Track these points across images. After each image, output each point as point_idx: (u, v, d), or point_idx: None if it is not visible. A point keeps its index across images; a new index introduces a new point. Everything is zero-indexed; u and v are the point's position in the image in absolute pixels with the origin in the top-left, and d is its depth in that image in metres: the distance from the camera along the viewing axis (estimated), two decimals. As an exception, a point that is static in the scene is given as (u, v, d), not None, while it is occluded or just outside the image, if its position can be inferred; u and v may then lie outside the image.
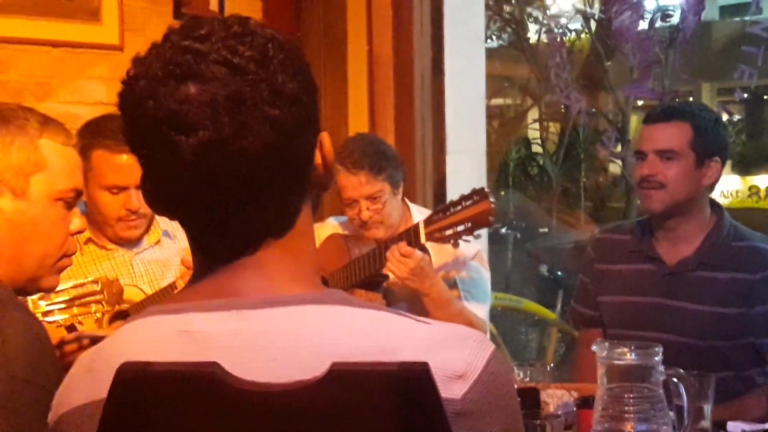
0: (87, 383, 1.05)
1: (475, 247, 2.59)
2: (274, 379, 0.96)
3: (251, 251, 1.04)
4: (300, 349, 0.98)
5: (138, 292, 2.53)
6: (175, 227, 2.77)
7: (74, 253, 1.70)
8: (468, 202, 2.38)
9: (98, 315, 2.07)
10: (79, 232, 1.69)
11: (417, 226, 2.46)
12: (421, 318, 1.05)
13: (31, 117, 1.61)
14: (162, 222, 2.75)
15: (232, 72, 0.97)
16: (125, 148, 2.48)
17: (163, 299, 2.46)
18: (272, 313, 1.01)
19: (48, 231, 1.62)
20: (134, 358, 1.01)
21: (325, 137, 1.07)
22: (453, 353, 0.99)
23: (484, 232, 2.58)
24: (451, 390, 0.97)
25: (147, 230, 2.69)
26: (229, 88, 0.97)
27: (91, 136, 2.53)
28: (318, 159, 1.06)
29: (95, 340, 2.00)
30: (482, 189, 2.38)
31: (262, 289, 1.03)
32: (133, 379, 1.02)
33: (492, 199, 2.36)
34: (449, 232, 2.40)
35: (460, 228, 2.38)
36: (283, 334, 0.99)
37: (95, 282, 2.06)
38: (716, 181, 2.48)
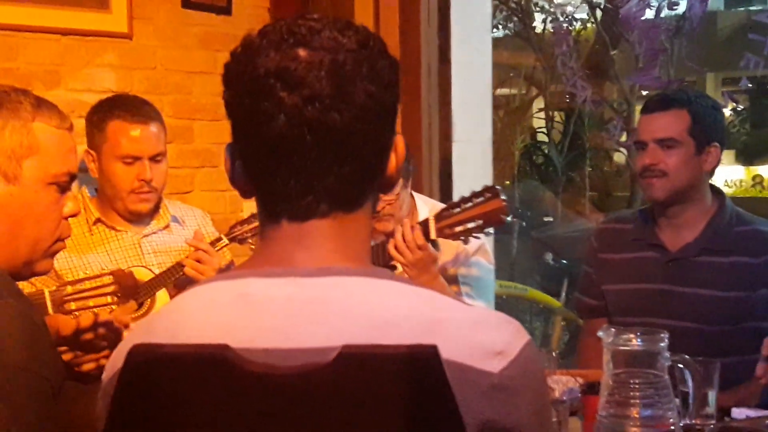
0: (143, 341, 1.10)
1: (478, 240, 2.58)
2: (323, 342, 1.01)
3: (319, 216, 1.10)
4: (347, 316, 1.03)
5: (147, 272, 2.56)
6: (184, 214, 2.80)
7: (68, 237, 1.69)
8: (479, 199, 2.36)
9: (114, 307, 2.08)
10: (73, 215, 1.68)
11: (427, 221, 2.45)
12: (465, 301, 1.09)
13: (25, 100, 1.58)
14: (171, 207, 2.78)
15: (339, 47, 1.07)
16: (140, 120, 2.59)
17: (171, 278, 2.52)
18: (326, 281, 1.07)
19: (41, 215, 1.60)
20: (191, 319, 1.08)
21: (399, 140, 1.15)
22: (494, 333, 1.05)
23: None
24: (489, 364, 1.02)
25: (156, 211, 2.72)
26: (335, 56, 1.06)
27: (107, 108, 2.60)
28: (392, 159, 1.14)
29: (110, 327, 2.03)
30: (494, 187, 2.36)
31: (317, 262, 1.09)
32: (145, 361, 1.04)
33: (504, 197, 2.34)
34: (459, 228, 2.38)
35: (471, 225, 2.36)
36: (334, 301, 1.05)
37: (110, 275, 2.08)
38: (716, 166, 2.49)
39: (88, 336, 1.99)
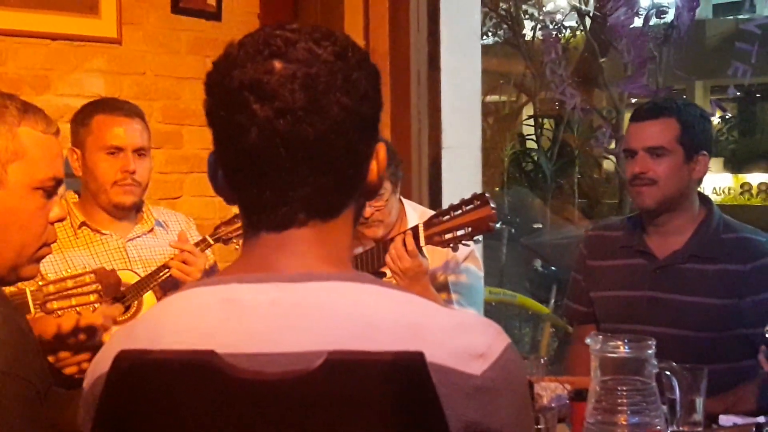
0: (125, 347, 1.09)
1: (467, 247, 2.57)
2: (307, 346, 1.01)
3: (297, 225, 1.10)
4: (333, 320, 1.04)
5: (133, 275, 2.57)
6: (167, 218, 2.82)
7: (54, 242, 1.68)
8: (468, 207, 2.37)
9: (96, 305, 2.08)
10: (59, 220, 1.66)
11: (417, 228, 2.45)
12: (447, 305, 1.10)
13: (11, 104, 1.57)
14: (155, 212, 2.80)
15: (314, 59, 1.08)
16: (124, 114, 2.60)
17: (157, 280, 2.54)
18: (309, 286, 1.07)
19: (27, 220, 1.59)
20: (174, 324, 1.07)
21: (381, 148, 1.15)
22: (475, 335, 1.05)
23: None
24: (471, 366, 1.02)
25: (139, 213, 2.74)
26: (309, 69, 1.07)
27: (92, 107, 2.67)
28: (373, 166, 1.14)
29: (91, 331, 2.02)
30: (483, 194, 2.37)
31: (300, 267, 1.09)
32: (131, 367, 1.04)
33: (493, 205, 2.35)
34: (449, 236, 2.39)
35: (460, 233, 2.37)
36: (318, 306, 1.05)
37: (92, 273, 2.07)
38: (704, 174, 2.51)
39: (70, 339, 1.98)
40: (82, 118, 2.65)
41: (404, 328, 1.03)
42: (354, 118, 1.08)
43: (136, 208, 2.73)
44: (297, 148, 1.06)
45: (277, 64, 1.06)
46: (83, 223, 2.65)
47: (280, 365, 1.01)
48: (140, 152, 2.65)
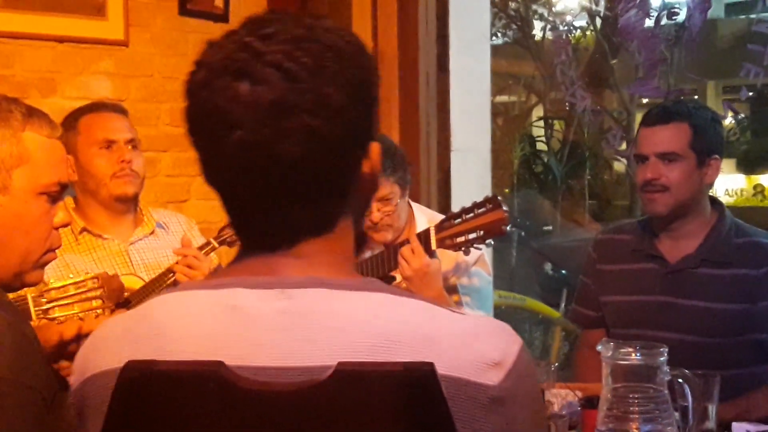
0: (126, 346, 1.06)
1: (477, 251, 2.57)
2: (317, 360, 0.98)
3: (288, 246, 1.07)
4: (343, 331, 1.00)
5: (137, 280, 2.57)
6: (168, 220, 2.82)
7: (59, 247, 1.67)
8: (480, 210, 2.35)
9: (99, 311, 2.06)
10: (64, 225, 1.66)
11: (428, 231, 2.44)
12: (455, 309, 1.07)
13: (15, 109, 1.57)
14: (155, 213, 2.81)
15: (283, 77, 1.01)
16: (109, 110, 2.60)
17: (162, 285, 2.53)
18: (317, 293, 1.03)
19: (31, 226, 1.58)
20: (181, 330, 1.04)
21: (374, 147, 1.11)
22: (489, 343, 1.02)
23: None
24: (487, 377, 1.00)
25: (136, 214, 2.73)
26: (275, 93, 1.00)
27: (76, 112, 2.68)
28: (366, 167, 1.09)
29: None
30: (495, 197, 2.36)
31: (304, 272, 1.06)
32: (139, 378, 1.02)
33: (505, 208, 2.33)
34: (460, 239, 2.37)
35: (472, 236, 2.35)
36: (327, 315, 1.02)
37: (95, 278, 2.06)
38: (716, 178, 2.48)
39: (72, 347, 1.97)
40: (68, 123, 2.66)
41: (419, 340, 1.00)
42: (326, 139, 1.02)
43: (135, 206, 2.72)
44: (268, 180, 1.02)
45: (243, 88, 1.01)
46: (84, 229, 2.64)
47: (289, 378, 0.98)
48: (132, 144, 2.66)
